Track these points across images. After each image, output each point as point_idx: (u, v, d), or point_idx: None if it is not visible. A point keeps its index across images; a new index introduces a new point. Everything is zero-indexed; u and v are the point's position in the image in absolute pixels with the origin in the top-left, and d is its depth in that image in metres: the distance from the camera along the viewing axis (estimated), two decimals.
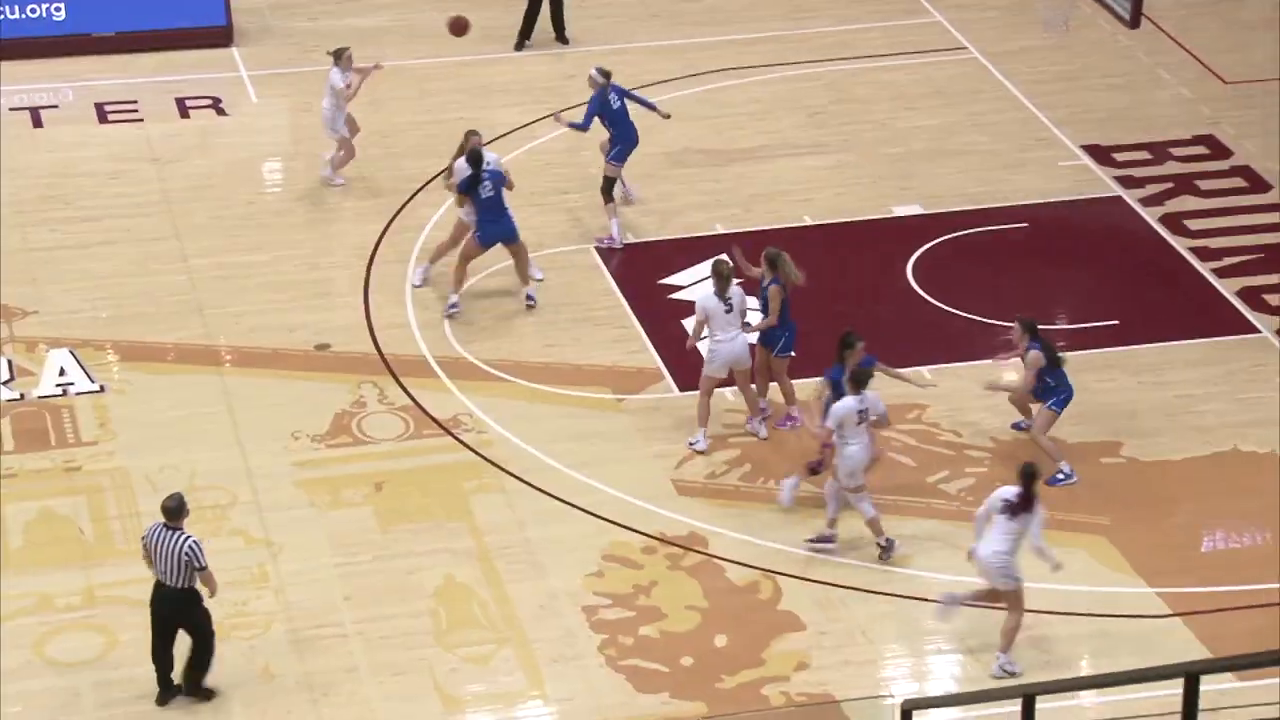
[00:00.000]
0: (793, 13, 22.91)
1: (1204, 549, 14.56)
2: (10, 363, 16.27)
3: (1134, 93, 21.11)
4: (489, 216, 16.86)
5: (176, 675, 12.90)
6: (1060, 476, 15.02)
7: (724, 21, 22.68)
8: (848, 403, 14.10)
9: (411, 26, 22.51)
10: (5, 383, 16.03)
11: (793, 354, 15.68)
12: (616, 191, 18.11)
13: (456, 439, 15.57)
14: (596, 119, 17.94)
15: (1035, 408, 15.20)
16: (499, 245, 17.01)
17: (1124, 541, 14.57)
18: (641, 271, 17.74)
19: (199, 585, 12.67)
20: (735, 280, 15.50)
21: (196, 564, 12.55)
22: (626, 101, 18.07)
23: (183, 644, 12.96)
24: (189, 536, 12.62)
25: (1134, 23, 16.88)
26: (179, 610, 12.65)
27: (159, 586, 12.68)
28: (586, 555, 14.39)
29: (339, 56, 18.56)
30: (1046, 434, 15.10)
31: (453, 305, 17.04)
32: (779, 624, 13.80)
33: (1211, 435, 15.63)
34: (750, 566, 14.32)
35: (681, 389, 16.14)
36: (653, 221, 18.53)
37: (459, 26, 18.28)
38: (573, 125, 18.11)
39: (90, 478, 15.08)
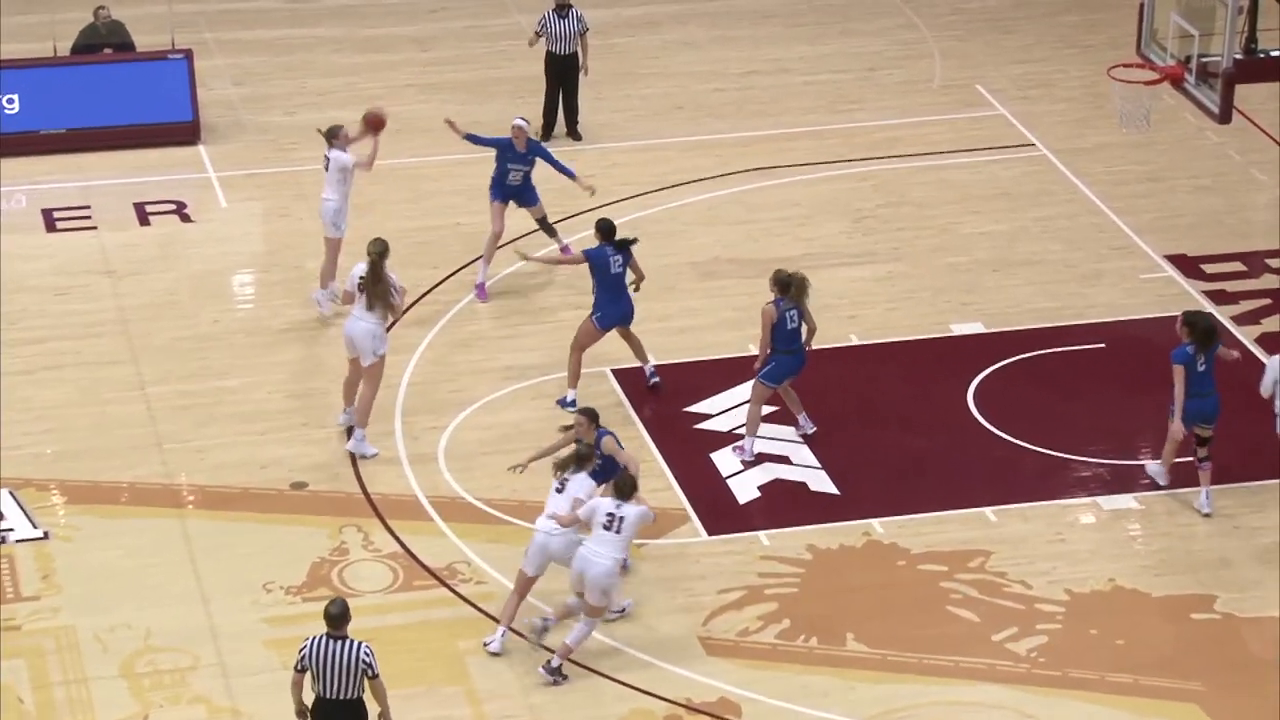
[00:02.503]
0: (836, 104, 23.33)
1: None
2: None
3: (1225, 196, 21.40)
4: (611, 296, 17.31)
5: None
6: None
7: (758, 114, 23.09)
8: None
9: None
10: None
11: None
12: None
13: (452, 590, 15.69)
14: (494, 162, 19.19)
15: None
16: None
17: (1220, 710, 14.61)
18: (665, 398, 17.92)
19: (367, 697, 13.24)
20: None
21: (371, 672, 13.17)
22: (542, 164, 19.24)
23: None
24: (362, 643, 13.16)
25: (1224, 117, 17.15)
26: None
27: (321, 703, 13.22)
28: None
29: (334, 136, 18.92)
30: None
31: (569, 403, 17.30)
32: None
33: None
34: None
35: (710, 533, 16.30)
36: (678, 341, 18.76)
37: (374, 122, 19.07)
38: (470, 137, 19.39)
39: (31, 638, 15.18)
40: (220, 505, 16.59)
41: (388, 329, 17.18)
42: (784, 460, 17.08)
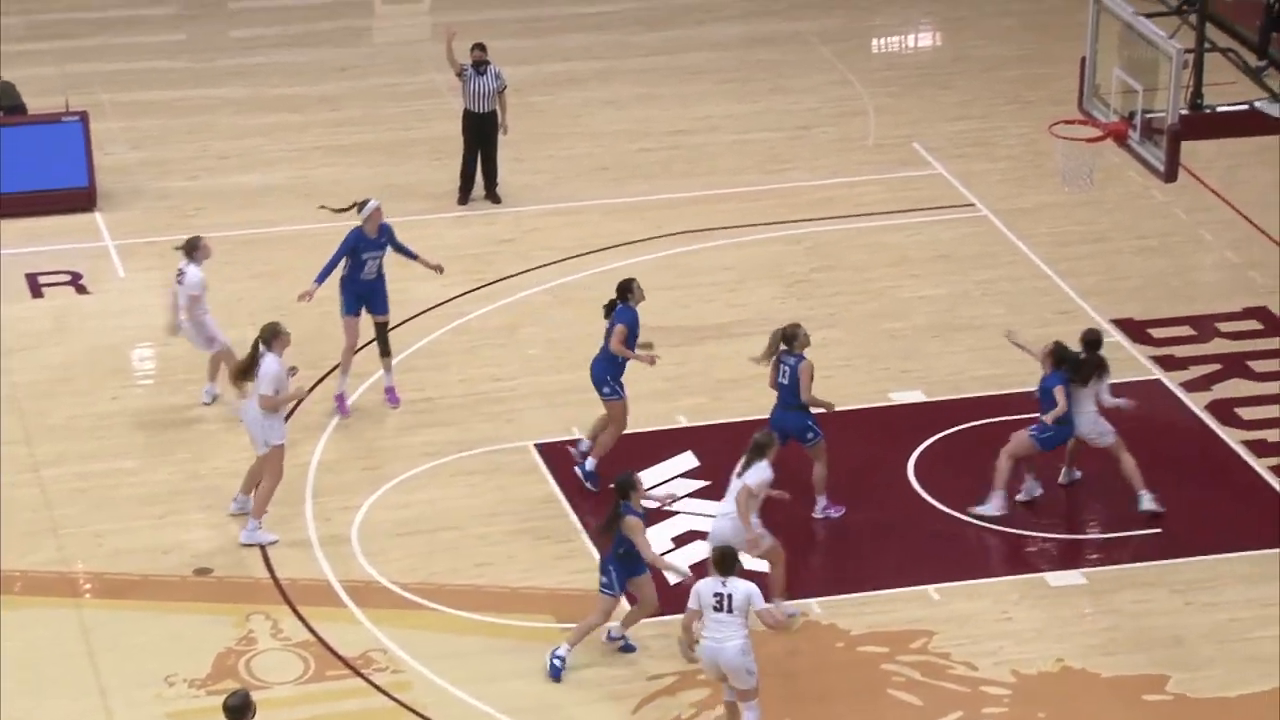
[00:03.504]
0: (768, 163, 23.59)
1: None
2: None
3: (1172, 257, 21.72)
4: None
5: None
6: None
7: (686, 174, 23.31)
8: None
9: (309, 183, 23.08)
10: None
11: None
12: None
13: (368, 681, 15.69)
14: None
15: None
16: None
17: None
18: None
19: None
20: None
21: None
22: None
23: None
24: None
25: (1170, 175, 17.41)
26: None
27: None
28: None
29: (193, 249, 18.47)
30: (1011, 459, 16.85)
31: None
32: None
33: (1272, 666, 15.90)
34: None
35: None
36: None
37: None
38: (321, 276, 18.55)
39: None
40: (120, 593, 16.56)
41: (286, 416, 17.16)
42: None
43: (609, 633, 15.86)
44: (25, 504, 17.62)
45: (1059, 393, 17.04)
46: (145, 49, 26.19)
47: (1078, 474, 17.76)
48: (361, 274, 18.65)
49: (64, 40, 26.28)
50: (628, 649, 15.89)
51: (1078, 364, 17.20)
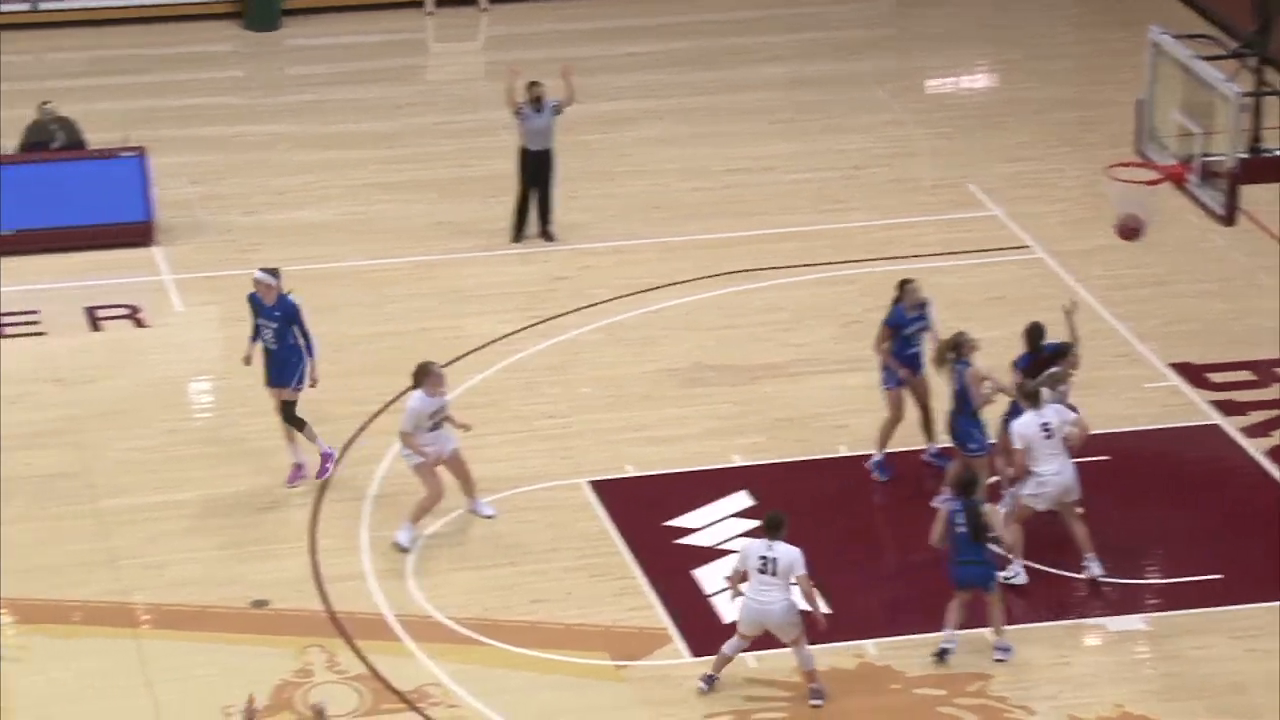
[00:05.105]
0: (821, 203, 23.62)
1: None
2: None
3: (1231, 300, 21.68)
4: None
5: None
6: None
7: (739, 214, 23.35)
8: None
9: (365, 220, 23.24)
10: None
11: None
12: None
13: (422, 715, 15.77)
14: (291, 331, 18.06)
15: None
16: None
17: None
18: (645, 511, 18.08)
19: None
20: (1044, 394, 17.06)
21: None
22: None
23: None
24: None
25: (1229, 219, 17.47)
26: None
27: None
28: None
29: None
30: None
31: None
32: None
33: None
34: None
35: (695, 654, 16.44)
36: (659, 452, 18.95)
37: (1129, 229, 18.29)
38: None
39: None
40: (177, 625, 16.69)
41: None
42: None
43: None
44: (83, 535, 17.78)
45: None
46: (204, 85, 26.43)
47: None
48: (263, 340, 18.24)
49: (124, 76, 26.54)
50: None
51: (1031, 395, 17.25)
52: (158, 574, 17.28)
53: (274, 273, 18.26)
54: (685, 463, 18.77)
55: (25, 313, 21.24)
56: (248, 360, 18.43)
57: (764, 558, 15.51)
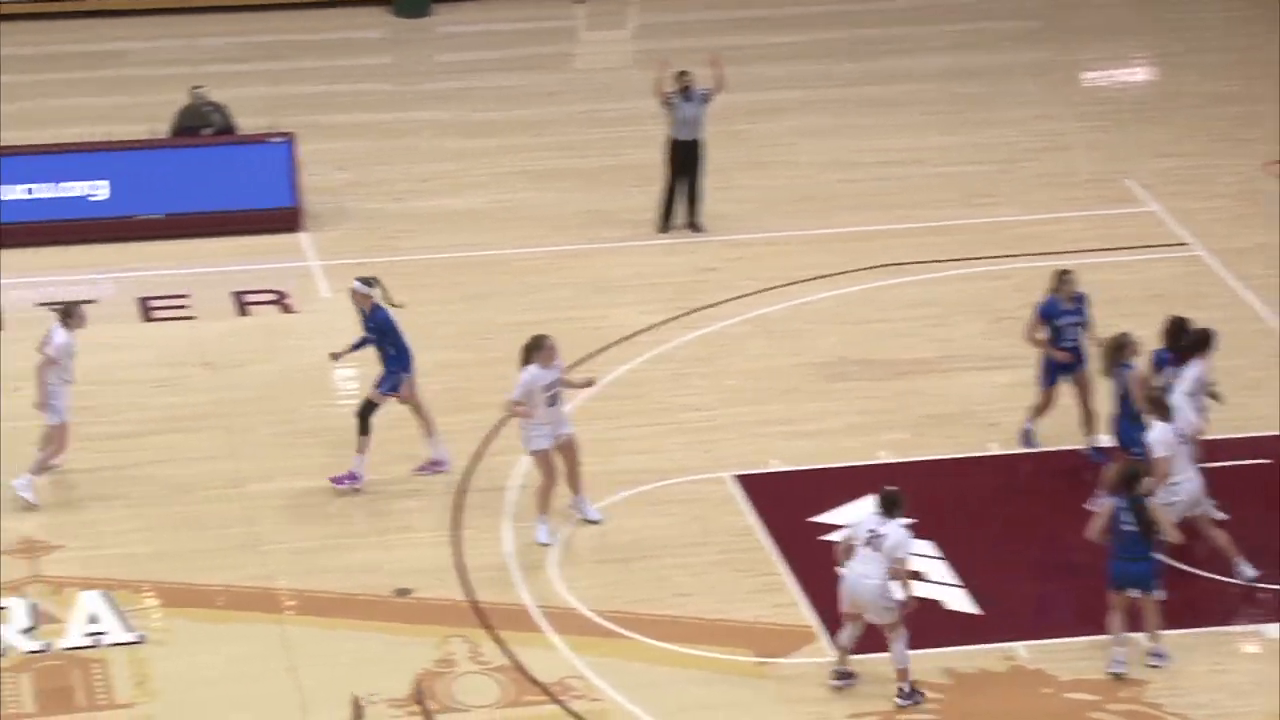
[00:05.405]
0: (973, 197, 23.41)
1: None
2: (34, 607, 16.68)
3: None
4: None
5: None
6: None
7: (889, 206, 23.19)
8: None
9: (512, 208, 23.26)
10: (27, 631, 16.43)
11: None
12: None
13: (564, 708, 15.76)
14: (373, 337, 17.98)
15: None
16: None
17: None
18: (789, 506, 17.98)
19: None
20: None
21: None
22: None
23: None
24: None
25: None
26: None
27: None
28: None
29: (69, 315, 17.76)
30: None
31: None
32: None
33: None
34: None
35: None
36: (803, 446, 18.85)
37: None
38: (356, 345, 18.09)
39: None
40: (320, 611, 16.76)
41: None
42: (916, 576, 17.05)
43: None
44: (229, 519, 17.90)
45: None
46: (354, 71, 26.60)
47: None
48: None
49: (274, 62, 26.77)
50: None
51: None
52: (301, 559, 17.36)
53: (368, 282, 18.19)
54: (830, 458, 18.64)
55: (175, 296, 21.45)
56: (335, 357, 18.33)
57: (873, 531, 15.45)
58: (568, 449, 17.57)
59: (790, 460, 18.62)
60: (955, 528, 17.45)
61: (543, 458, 17.43)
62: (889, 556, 15.35)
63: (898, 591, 15.47)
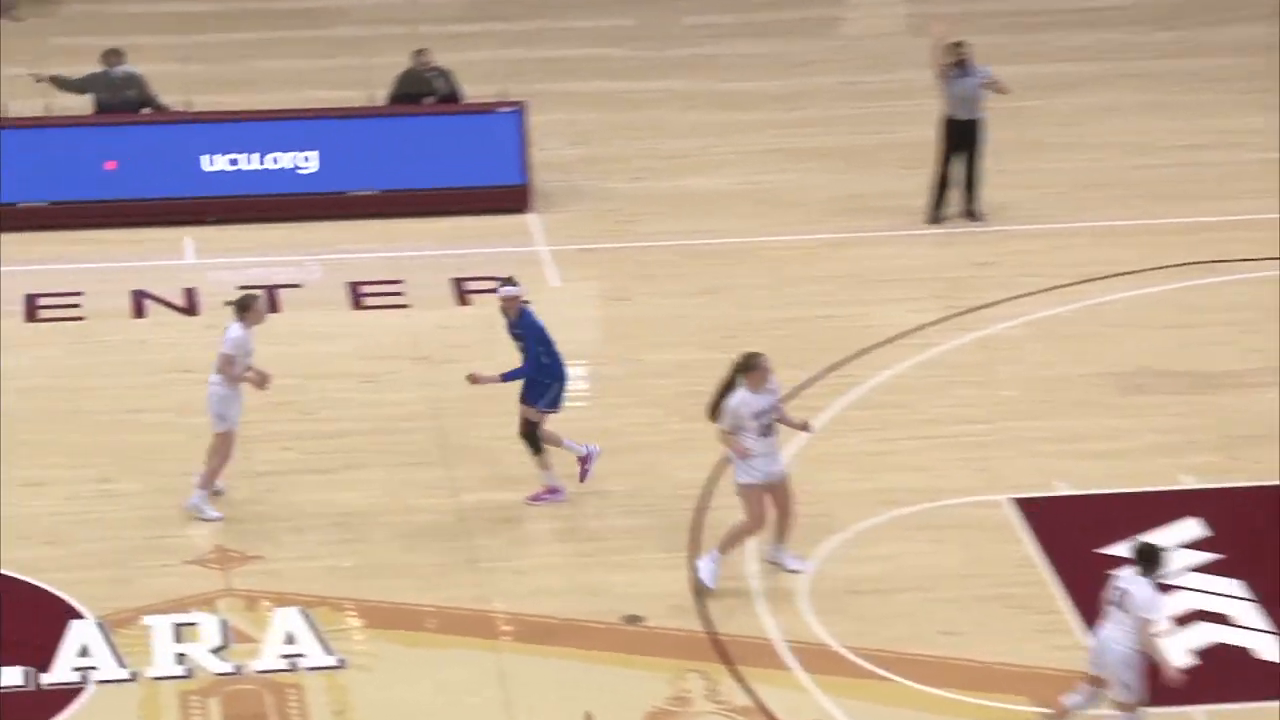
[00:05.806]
0: None
1: None
2: (225, 624, 16.87)
3: None
4: None
5: None
6: None
7: (1198, 196, 22.92)
8: None
9: (765, 192, 23.22)
10: (217, 650, 16.61)
11: None
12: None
13: None
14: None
15: None
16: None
17: None
18: (1076, 536, 17.75)
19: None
20: None
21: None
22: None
23: None
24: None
25: None
26: None
27: None
28: None
29: (245, 309, 17.76)
30: None
31: None
32: None
33: None
34: None
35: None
36: (1095, 467, 18.61)
37: None
38: (509, 377, 17.85)
39: None
40: (540, 638, 16.76)
41: None
42: (1223, 620, 16.70)
43: None
44: (442, 532, 17.97)
45: None
46: (590, 34, 26.79)
47: None
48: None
49: (503, 23, 27.05)
50: None
51: None
52: (520, 580, 17.39)
53: (507, 281, 18.11)
54: (1125, 482, 18.37)
55: (389, 282, 21.67)
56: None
57: (1120, 589, 14.95)
58: (780, 491, 17.23)
59: (1078, 483, 18.38)
60: (1270, 565, 17.07)
61: (751, 495, 17.08)
62: (1135, 618, 14.83)
63: (1144, 660, 14.89)
